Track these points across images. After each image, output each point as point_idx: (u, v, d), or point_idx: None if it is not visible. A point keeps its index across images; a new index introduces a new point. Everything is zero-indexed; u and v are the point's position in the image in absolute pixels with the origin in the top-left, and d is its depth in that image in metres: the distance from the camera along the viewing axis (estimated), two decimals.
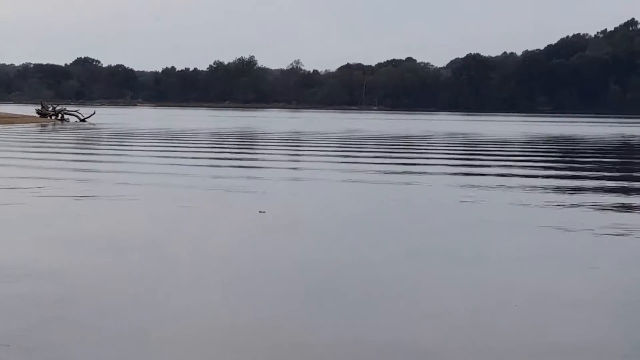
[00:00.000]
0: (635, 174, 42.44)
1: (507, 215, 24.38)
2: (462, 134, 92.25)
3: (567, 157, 55.11)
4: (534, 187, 32.60)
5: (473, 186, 32.82)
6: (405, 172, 38.98)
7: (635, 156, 59.25)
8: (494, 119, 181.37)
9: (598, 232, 21.29)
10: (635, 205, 27.62)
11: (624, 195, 30.63)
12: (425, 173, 38.75)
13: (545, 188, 32.40)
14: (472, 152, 58.64)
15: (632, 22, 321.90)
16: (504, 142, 73.07)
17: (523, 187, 32.49)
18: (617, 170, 44.18)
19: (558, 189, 32.03)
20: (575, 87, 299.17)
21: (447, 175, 37.76)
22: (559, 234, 21.09)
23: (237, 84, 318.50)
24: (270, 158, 49.12)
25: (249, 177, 35.77)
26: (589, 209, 25.94)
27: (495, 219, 23.64)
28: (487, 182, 34.31)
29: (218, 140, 71.72)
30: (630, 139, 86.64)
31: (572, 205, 26.81)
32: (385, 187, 32.37)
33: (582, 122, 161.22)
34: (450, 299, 14.06)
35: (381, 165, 43.13)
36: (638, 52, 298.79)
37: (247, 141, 71.50)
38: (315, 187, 32.10)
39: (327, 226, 22.14)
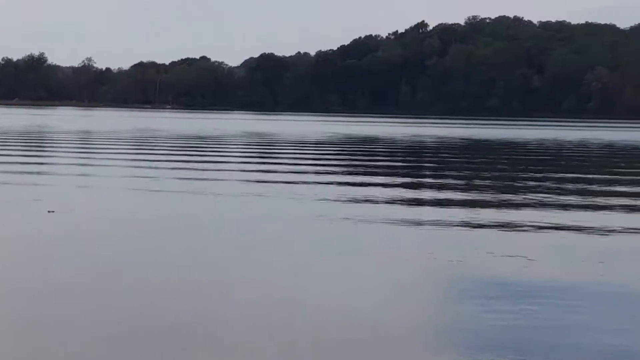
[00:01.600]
0: (424, 172, 43.01)
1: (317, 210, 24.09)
2: (259, 133, 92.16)
3: (363, 156, 55.52)
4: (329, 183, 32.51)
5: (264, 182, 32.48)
6: (198, 177, 38.28)
7: (425, 155, 60.29)
8: (288, 118, 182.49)
9: (392, 221, 21.26)
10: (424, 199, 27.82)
11: (413, 190, 30.88)
12: (221, 170, 38.19)
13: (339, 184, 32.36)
14: (269, 151, 58.37)
15: (422, 24, 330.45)
16: (315, 142, 73.26)
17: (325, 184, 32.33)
18: (407, 169, 44.73)
19: (351, 184, 32.04)
20: (367, 88, 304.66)
21: (244, 173, 37.30)
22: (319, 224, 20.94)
23: (26, 81, 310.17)
24: (50, 162, 47.46)
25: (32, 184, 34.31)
26: (380, 204, 25.98)
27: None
28: (276, 177, 34.01)
29: None
30: (422, 139, 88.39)
31: (365, 200, 26.79)
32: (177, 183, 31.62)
33: (376, 122, 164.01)
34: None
35: (174, 163, 42.29)
36: (428, 53, 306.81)
37: (31, 141, 69.13)
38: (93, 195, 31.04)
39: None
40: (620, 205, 27.07)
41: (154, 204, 25.78)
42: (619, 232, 21.48)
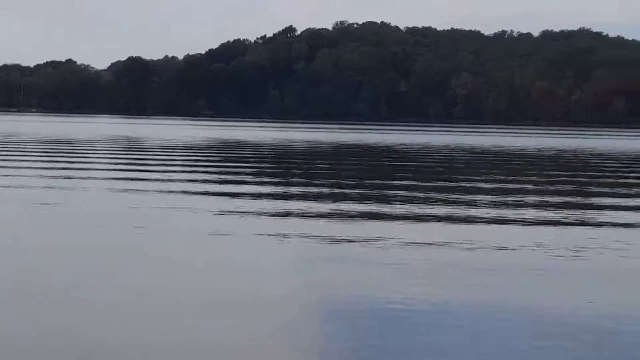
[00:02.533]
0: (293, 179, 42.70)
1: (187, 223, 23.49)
2: (125, 137, 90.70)
3: (232, 161, 54.97)
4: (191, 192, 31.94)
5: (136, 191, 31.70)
6: (63, 185, 37.22)
7: (293, 161, 60.01)
8: (156, 122, 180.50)
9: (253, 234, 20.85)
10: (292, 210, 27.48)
11: (282, 201, 30.52)
12: (84, 179, 37.21)
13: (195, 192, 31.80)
14: (138, 157, 57.34)
15: (290, 29, 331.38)
16: (182, 148, 72.27)
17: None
18: (276, 176, 44.37)
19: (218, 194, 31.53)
20: (235, 92, 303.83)
21: (109, 181, 36.40)
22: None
23: None
24: None
25: None
26: (245, 214, 25.53)
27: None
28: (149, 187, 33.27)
29: None
30: (291, 143, 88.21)
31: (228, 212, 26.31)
32: (45, 193, 30.63)
33: (243, 126, 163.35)
34: None
35: (40, 171, 41.07)
36: (296, 58, 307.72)
37: None
38: None
39: None
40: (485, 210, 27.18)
41: None
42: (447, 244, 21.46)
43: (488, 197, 32.91)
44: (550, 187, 39.11)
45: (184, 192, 32.27)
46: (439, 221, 25.36)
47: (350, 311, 13.90)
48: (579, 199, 34.07)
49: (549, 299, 15.29)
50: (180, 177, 39.20)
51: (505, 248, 20.73)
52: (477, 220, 25.84)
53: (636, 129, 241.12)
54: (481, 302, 14.82)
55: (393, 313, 13.86)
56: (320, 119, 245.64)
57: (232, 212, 26.28)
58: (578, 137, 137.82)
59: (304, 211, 26.98)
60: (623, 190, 38.01)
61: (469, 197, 33.05)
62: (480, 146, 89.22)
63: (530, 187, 38.92)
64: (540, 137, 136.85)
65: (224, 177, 40.49)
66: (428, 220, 25.42)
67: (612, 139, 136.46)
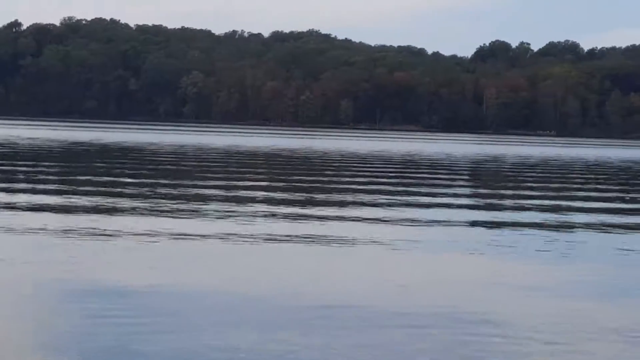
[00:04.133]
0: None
1: None
2: None
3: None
4: None
5: None
6: None
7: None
8: None
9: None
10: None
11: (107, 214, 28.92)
12: None
13: None
14: None
15: (16, 23, 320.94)
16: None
17: None
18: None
19: None
20: None
21: None
22: None
23: None
24: None
25: None
26: None
27: None
28: None
29: None
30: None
31: None
32: None
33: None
34: None
35: None
36: (22, 53, 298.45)
37: None
38: None
39: None
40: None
41: None
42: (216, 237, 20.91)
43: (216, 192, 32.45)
44: (280, 185, 39.09)
45: None
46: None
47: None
48: (314, 196, 34.13)
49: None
50: None
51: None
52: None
53: (362, 129, 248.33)
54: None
55: None
56: (47, 116, 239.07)
57: None
58: (307, 138, 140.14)
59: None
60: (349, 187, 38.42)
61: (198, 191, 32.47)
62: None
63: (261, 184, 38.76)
64: (272, 137, 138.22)
65: None
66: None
67: (339, 139, 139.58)
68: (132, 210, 26.03)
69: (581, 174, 61.23)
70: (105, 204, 27.86)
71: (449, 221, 26.30)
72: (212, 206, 28.01)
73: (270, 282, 16.00)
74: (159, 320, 12.84)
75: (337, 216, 26.49)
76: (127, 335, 11.84)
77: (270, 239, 21.23)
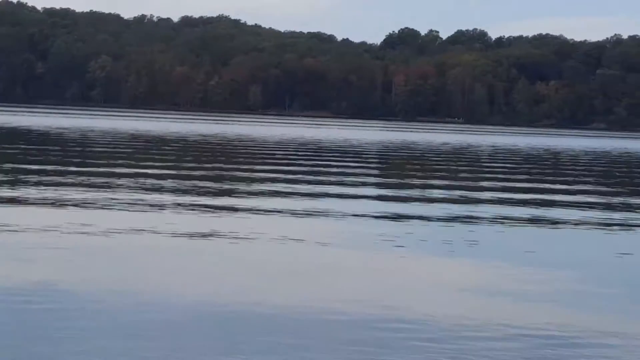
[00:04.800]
0: None
1: None
2: None
3: None
4: None
5: None
6: None
7: None
8: None
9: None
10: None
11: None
12: None
13: None
14: None
15: None
16: None
17: None
18: None
19: None
20: None
21: None
22: None
23: None
24: None
25: None
26: None
27: None
28: None
29: None
30: None
31: None
32: None
33: None
34: None
35: None
36: None
37: None
38: None
39: None
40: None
41: None
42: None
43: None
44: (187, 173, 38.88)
45: None
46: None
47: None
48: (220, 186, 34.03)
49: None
50: None
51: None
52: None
53: (271, 115, 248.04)
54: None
55: None
56: None
57: None
58: (219, 124, 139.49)
59: None
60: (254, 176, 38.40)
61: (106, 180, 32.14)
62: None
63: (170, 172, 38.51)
64: (183, 122, 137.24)
65: None
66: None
67: (250, 125, 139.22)
68: (34, 201, 25.64)
69: (490, 162, 62.00)
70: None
71: (357, 214, 26.45)
72: (119, 195, 27.70)
73: (154, 285, 15.72)
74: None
75: (241, 208, 26.38)
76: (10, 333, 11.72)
77: (176, 235, 21.07)
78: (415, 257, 19.36)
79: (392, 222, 25.03)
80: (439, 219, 25.62)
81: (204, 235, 20.55)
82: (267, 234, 21.18)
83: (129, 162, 43.74)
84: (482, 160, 66.71)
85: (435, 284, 16.54)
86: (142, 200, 26.71)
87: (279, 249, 19.47)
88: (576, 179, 47.87)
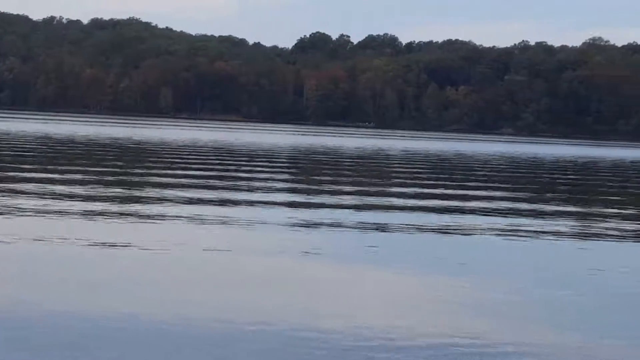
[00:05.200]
0: None
1: None
2: None
3: None
4: None
5: None
6: None
7: None
8: None
9: None
10: None
11: None
12: None
13: None
14: None
15: None
16: None
17: None
18: None
19: None
20: None
21: None
22: None
23: None
24: None
25: None
26: None
27: None
28: None
29: None
30: None
31: None
32: None
33: None
34: None
35: None
36: None
37: None
38: None
39: None
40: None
41: None
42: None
43: None
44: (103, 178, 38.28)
45: None
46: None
47: None
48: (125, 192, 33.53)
49: None
50: None
51: None
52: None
53: (182, 119, 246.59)
54: None
55: None
56: None
57: None
58: (128, 127, 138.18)
59: None
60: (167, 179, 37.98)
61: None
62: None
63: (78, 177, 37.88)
64: (92, 125, 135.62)
65: None
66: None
67: (160, 129, 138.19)
68: None
69: (401, 166, 62.27)
70: None
71: (267, 222, 26.24)
72: (22, 200, 27.08)
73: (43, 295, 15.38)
74: None
75: (150, 215, 25.96)
76: None
77: (77, 243, 20.62)
78: (330, 266, 19.19)
79: (304, 230, 24.83)
80: (351, 227, 25.49)
81: (112, 245, 20.09)
82: (177, 242, 20.82)
83: (33, 166, 42.91)
84: (394, 165, 66.98)
85: (352, 292, 16.38)
86: (47, 206, 26.13)
87: (190, 258, 19.14)
88: (487, 184, 48.23)
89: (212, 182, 38.95)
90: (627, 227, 29.80)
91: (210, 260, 19.11)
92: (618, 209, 37.08)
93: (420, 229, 25.97)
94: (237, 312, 14.20)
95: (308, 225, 25.71)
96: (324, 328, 13.34)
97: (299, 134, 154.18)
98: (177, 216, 25.62)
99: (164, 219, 24.89)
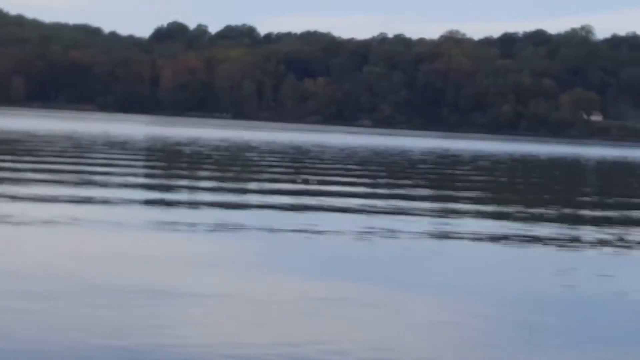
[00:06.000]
0: None
1: None
2: None
3: None
4: None
5: None
6: None
7: None
8: None
9: None
10: None
11: None
12: None
13: None
14: None
15: None
16: None
17: None
18: None
19: None
20: None
21: None
22: None
23: None
24: None
25: None
26: None
27: None
28: None
29: None
30: None
31: None
32: None
33: None
34: None
35: None
36: None
37: None
38: None
39: None
40: None
41: None
42: None
43: None
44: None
45: None
46: None
47: None
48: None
49: None
50: None
51: None
52: None
53: (35, 108, 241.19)
54: None
55: None
56: None
57: None
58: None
59: None
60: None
61: None
62: None
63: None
64: None
65: None
66: None
67: (11, 118, 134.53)
68: None
69: (260, 159, 61.48)
70: None
71: (122, 223, 25.15)
72: None
73: None
74: None
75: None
76: None
77: None
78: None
79: (165, 232, 23.77)
80: (205, 228, 24.50)
81: None
82: (28, 247, 19.63)
83: None
84: (252, 157, 66.16)
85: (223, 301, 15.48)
86: None
87: (50, 263, 17.97)
88: (347, 178, 47.78)
89: (64, 176, 37.45)
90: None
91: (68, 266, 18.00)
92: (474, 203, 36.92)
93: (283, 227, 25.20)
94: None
95: (170, 224, 24.68)
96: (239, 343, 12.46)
97: (154, 125, 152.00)
98: (32, 218, 24.28)
99: (16, 222, 23.57)
